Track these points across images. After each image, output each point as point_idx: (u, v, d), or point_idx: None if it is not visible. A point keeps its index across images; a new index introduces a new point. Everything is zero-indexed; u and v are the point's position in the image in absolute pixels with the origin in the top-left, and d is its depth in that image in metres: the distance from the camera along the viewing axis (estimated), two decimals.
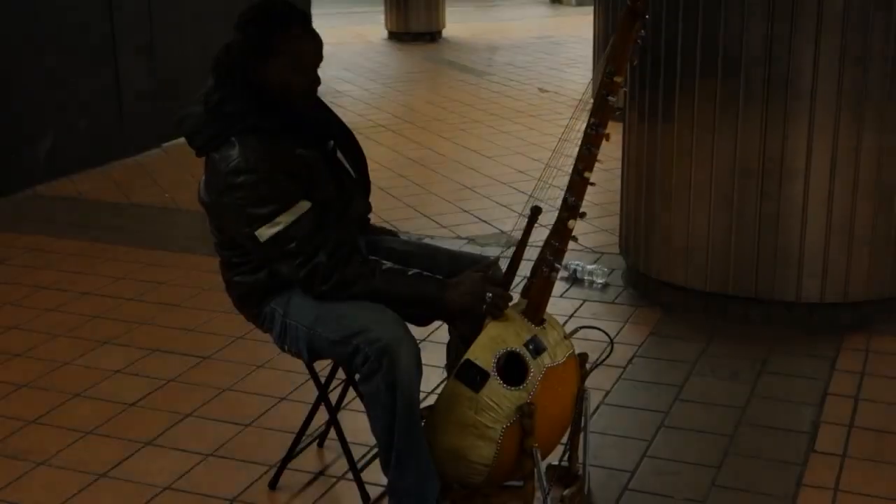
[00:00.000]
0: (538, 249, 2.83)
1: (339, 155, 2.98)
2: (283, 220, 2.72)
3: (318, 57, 2.82)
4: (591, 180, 2.77)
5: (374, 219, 3.20)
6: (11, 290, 4.90)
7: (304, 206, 2.75)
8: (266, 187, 2.71)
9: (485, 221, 5.72)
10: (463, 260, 3.01)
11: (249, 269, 2.91)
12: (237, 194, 2.73)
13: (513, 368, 2.70)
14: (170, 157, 7.35)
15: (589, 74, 9.71)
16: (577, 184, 2.75)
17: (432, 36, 12.74)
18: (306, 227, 2.74)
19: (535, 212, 2.80)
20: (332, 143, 2.96)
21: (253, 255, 2.86)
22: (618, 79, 2.71)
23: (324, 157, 2.88)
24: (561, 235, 2.77)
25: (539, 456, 2.73)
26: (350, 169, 3.00)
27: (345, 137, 3.03)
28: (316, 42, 2.82)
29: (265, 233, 2.73)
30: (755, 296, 4.24)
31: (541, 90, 9.47)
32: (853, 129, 4.01)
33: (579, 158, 2.75)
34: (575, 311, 4.50)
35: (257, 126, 2.75)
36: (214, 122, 2.81)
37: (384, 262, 2.83)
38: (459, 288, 2.76)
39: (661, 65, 4.26)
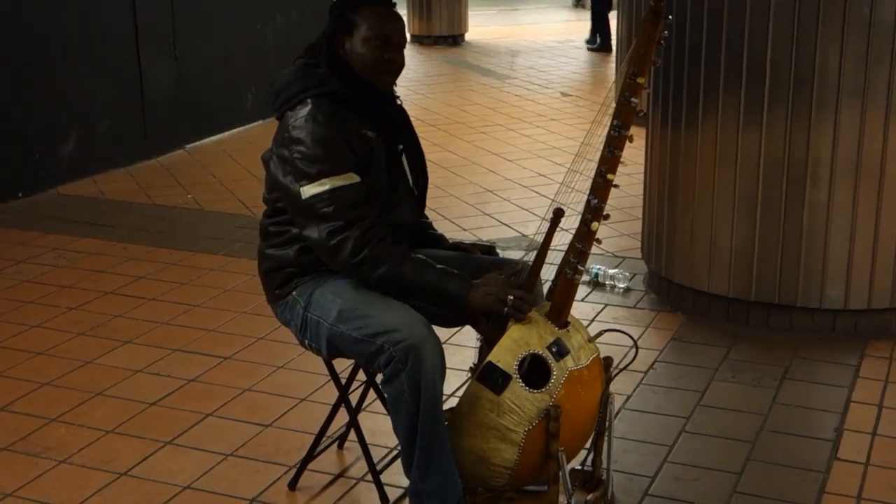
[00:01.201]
0: (560, 253, 2.83)
1: (405, 160, 3.02)
2: (330, 183, 2.76)
3: (400, 35, 2.90)
4: (615, 182, 2.76)
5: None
6: (34, 289, 4.92)
7: (354, 177, 2.80)
8: (323, 149, 2.77)
9: (506, 224, 5.71)
10: (502, 266, 3.00)
11: (282, 242, 2.93)
12: (295, 147, 2.79)
13: (535, 371, 2.69)
14: (192, 159, 7.37)
15: (611, 79, 9.68)
16: (601, 186, 2.75)
17: (455, 39, 12.74)
18: (349, 198, 2.78)
19: (558, 214, 2.79)
20: (401, 147, 3.00)
21: (291, 215, 2.87)
22: (640, 80, 2.70)
23: (388, 152, 2.92)
24: (584, 238, 2.76)
25: (564, 460, 2.72)
26: (410, 179, 3.03)
27: (415, 150, 3.07)
28: (398, 21, 2.91)
29: (309, 190, 2.77)
30: (778, 302, 4.22)
31: (563, 94, 9.45)
32: (878, 133, 3.98)
33: (602, 160, 2.75)
34: (596, 316, 4.48)
35: (337, 92, 2.83)
36: (299, 80, 2.89)
37: (414, 256, 2.82)
38: (481, 289, 2.75)
39: (684, 68, 4.24)
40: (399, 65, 2.93)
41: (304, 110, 2.82)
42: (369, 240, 2.76)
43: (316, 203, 2.77)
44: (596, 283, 4.81)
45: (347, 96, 2.84)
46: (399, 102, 3.06)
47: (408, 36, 12.77)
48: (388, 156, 2.92)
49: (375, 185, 2.86)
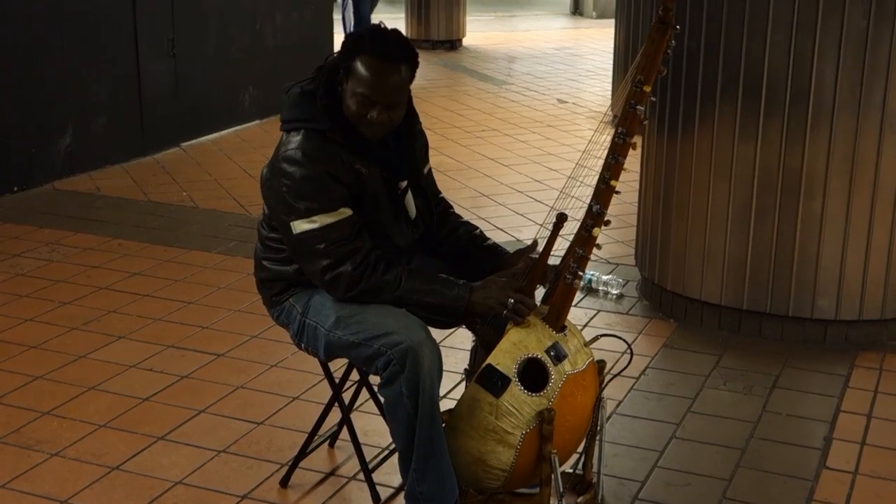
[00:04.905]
0: (556, 258, 2.85)
1: (409, 197, 2.95)
2: (320, 220, 2.73)
3: (390, 96, 2.75)
4: (617, 189, 2.78)
5: None
6: (29, 283, 4.93)
7: (345, 212, 2.76)
8: (311, 187, 2.73)
9: (501, 229, 5.72)
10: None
11: (282, 260, 2.92)
12: (284, 181, 2.76)
13: (534, 374, 2.71)
14: (188, 157, 7.37)
15: (608, 86, 9.71)
16: (603, 192, 2.76)
17: (452, 44, 12.76)
18: (341, 234, 2.74)
19: (561, 219, 2.81)
20: (404, 183, 2.94)
21: (284, 243, 2.87)
22: (646, 88, 2.72)
23: (387, 186, 2.87)
24: (585, 243, 2.78)
25: (557, 462, 2.73)
26: (412, 214, 2.97)
27: (420, 185, 3.00)
28: (391, 79, 2.74)
29: (300, 226, 2.75)
30: (770, 311, 4.24)
31: (559, 101, 9.47)
32: (873, 145, 4.01)
33: (606, 167, 2.77)
34: (589, 321, 4.50)
35: (326, 133, 2.77)
36: (297, 107, 2.82)
37: (410, 269, 2.82)
38: (483, 291, 2.77)
39: (682, 77, 4.26)
40: (383, 125, 2.79)
41: (296, 139, 2.77)
42: (363, 272, 2.75)
43: (307, 239, 2.75)
44: (589, 289, 4.83)
45: (336, 138, 2.77)
46: (415, 128, 2.98)
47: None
48: (388, 190, 2.87)
49: (371, 217, 2.82)
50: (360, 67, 2.73)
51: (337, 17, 10.10)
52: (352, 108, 2.76)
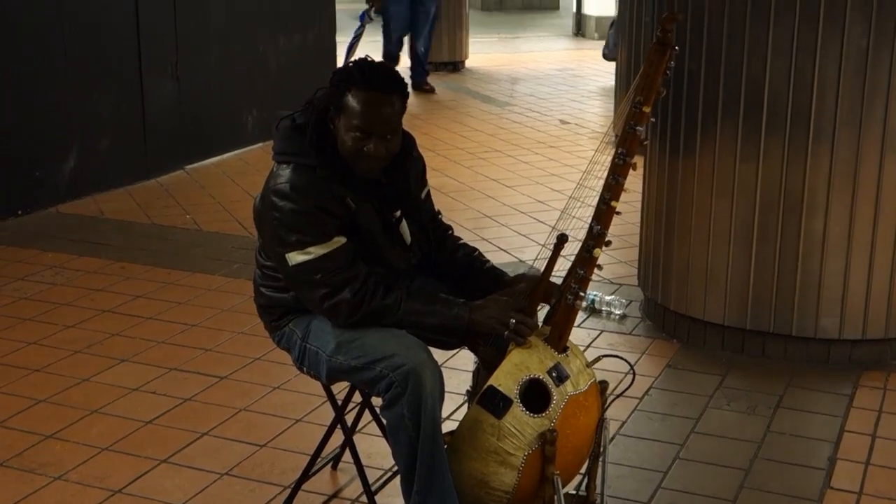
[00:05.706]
0: (558, 279, 2.85)
1: (404, 224, 2.96)
2: (314, 252, 2.74)
3: (386, 127, 2.75)
4: (617, 210, 2.79)
5: None
6: (32, 307, 4.93)
7: (339, 241, 2.77)
8: (302, 220, 2.74)
9: (504, 250, 5.73)
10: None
11: (279, 287, 2.93)
12: (274, 214, 2.77)
13: (536, 395, 2.71)
14: (192, 179, 7.39)
15: (610, 107, 9.73)
16: (604, 213, 2.77)
17: (455, 66, 12.79)
18: (337, 262, 2.75)
19: (562, 240, 2.81)
20: (398, 213, 2.94)
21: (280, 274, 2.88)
22: (646, 109, 2.73)
23: (382, 219, 2.88)
24: (586, 264, 2.78)
25: (560, 484, 2.73)
26: (408, 240, 2.97)
27: (416, 213, 3.00)
28: (386, 110, 2.75)
29: (295, 258, 2.76)
30: (773, 330, 4.23)
31: (562, 122, 9.49)
32: (874, 164, 4.02)
33: (606, 188, 2.77)
34: (592, 342, 4.50)
35: (314, 168, 2.77)
36: (287, 140, 2.83)
37: (409, 291, 2.82)
38: (484, 311, 2.77)
39: (683, 97, 4.27)
40: (380, 158, 2.78)
41: (285, 172, 2.78)
42: (363, 298, 2.75)
43: (303, 271, 2.76)
44: (592, 310, 4.82)
45: (325, 174, 2.77)
46: (410, 156, 2.95)
47: (407, 61, 12.84)
48: (381, 220, 2.88)
49: (363, 247, 2.83)
50: (352, 101, 2.73)
51: (341, 39, 10.12)
52: (348, 143, 2.76)
